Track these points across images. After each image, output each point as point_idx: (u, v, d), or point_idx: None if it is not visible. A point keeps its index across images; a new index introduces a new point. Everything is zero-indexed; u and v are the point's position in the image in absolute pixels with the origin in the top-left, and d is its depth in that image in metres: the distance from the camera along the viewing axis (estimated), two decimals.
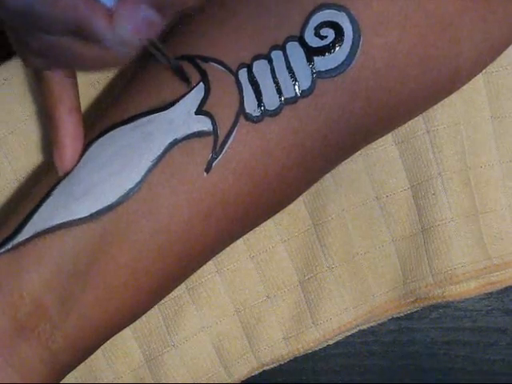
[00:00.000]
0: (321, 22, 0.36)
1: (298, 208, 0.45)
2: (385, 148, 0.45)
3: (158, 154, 0.36)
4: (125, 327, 0.40)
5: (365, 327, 0.48)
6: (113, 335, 0.40)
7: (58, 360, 0.37)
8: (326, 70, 0.36)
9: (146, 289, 0.38)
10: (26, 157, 0.43)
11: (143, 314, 0.40)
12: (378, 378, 0.50)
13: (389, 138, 0.44)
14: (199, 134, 0.36)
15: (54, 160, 0.37)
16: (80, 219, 0.36)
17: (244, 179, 0.37)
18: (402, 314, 0.47)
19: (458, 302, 0.49)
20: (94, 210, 0.36)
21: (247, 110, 0.36)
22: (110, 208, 0.36)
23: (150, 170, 0.36)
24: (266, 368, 0.47)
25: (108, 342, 0.45)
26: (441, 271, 0.45)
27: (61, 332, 0.36)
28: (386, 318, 0.47)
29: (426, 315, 0.49)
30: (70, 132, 0.36)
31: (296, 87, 0.36)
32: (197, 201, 0.37)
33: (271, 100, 0.36)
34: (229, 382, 0.47)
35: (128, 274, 0.37)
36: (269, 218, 0.41)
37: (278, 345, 0.46)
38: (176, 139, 0.36)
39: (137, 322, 0.45)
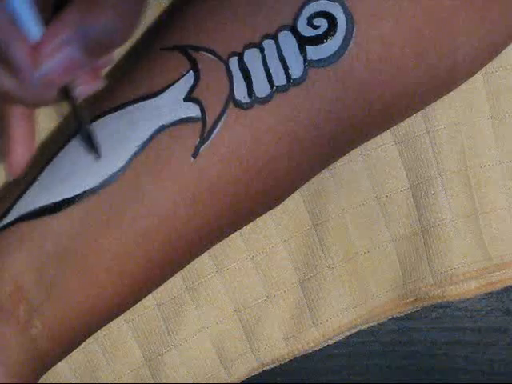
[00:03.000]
0: (314, 12, 0.36)
1: (297, 208, 0.45)
2: (385, 148, 0.45)
3: (144, 139, 0.36)
4: (111, 318, 0.39)
5: (365, 327, 0.48)
6: (99, 326, 0.39)
7: (38, 346, 0.36)
8: (318, 60, 0.36)
9: (130, 275, 0.37)
10: None
11: (129, 304, 0.40)
12: (378, 378, 0.50)
13: (389, 137, 0.44)
14: (187, 120, 0.36)
15: (5, 165, 0.36)
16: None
17: (232, 166, 0.37)
18: (402, 314, 0.47)
19: (458, 302, 0.49)
20: (76, 193, 0.36)
21: (237, 97, 0.36)
22: (93, 191, 0.36)
23: (135, 155, 0.36)
24: (265, 368, 0.47)
25: (108, 341, 0.45)
26: (441, 271, 0.45)
27: (40, 316, 0.36)
28: (385, 317, 0.47)
29: (426, 315, 0.49)
30: (20, 139, 0.35)
31: (287, 75, 0.36)
32: (183, 186, 0.37)
33: (262, 87, 0.36)
34: (229, 382, 0.47)
35: (110, 259, 0.37)
36: (261, 213, 0.41)
37: (277, 345, 0.46)
38: (163, 125, 0.36)
39: (137, 321, 0.45)
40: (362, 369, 0.50)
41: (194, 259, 0.41)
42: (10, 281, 0.36)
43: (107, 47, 0.31)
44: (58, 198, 0.36)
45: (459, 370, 0.50)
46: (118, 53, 0.43)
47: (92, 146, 0.36)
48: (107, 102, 0.37)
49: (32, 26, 0.29)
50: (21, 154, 0.35)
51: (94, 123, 0.37)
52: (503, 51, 0.41)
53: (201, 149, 0.36)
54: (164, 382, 0.46)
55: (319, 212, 0.45)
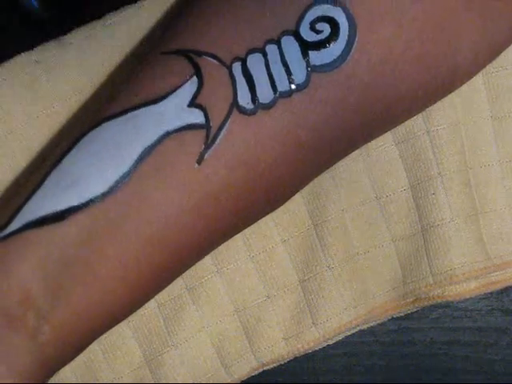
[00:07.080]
0: (317, 17, 0.36)
1: (298, 208, 0.45)
2: (385, 148, 0.45)
3: (148, 145, 0.36)
4: (114, 323, 0.39)
5: (365, 327, 0.48)
6: (102, 331, 0.39)
7: (46, 352, 0.36)
8: (321, 65, 0.36)
9: (135, 281, 0.37)
10: (25, 157, 0.43)
11: (132, 309, 0.39)
12: (378, 378, 0.50)
13: (389, 138, 0.44)
14: (191, 127, 0.36)
15: None
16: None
17: (237, 171, 0.37)
18: (401, 314, 0.47)
19: (457, 302, 0.49)
20: (82, 201, 0.36)
21: (240, 103, 0.36)
22: (98, 198, 0.36)
23: (139, 161, 0.36)
24: (265, 368, 0.47)
25: (108, 341, 0.45)
26: (441, 271, 0.45)
27: (48, 323, 0.36)
28: (385, 317, 0.47)
29: (426, 315, 0.49)
30: None
31: (290, 81, 0.36)
32: (187, 192, 0.36)
33: (265, 93, 0.36)
34: (229, 381, 0.47)
35: (116, 266, 0.36)
36: (263, 215, 0.41)
37: (278, 345, 0.46)
38: (167, 131, 0.36)
39: (137, 321, 0.45)
40: (362, 369, 0.50)
41: (196, 263, 0.41)
42: (18, 289, 0.36)
43: None
44: (65, 206, 0.36)
45: (459, 370, 0.50)
46: (119, 57, 0.43)
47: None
48: (111, 106, 0.37)
49: None
50: None
51: (97, 128, 0.37)
52: (503, 51, 0.41)
53: (205, 155, 0.36)
54: (164, 382, 0.46)
55: (319, 212, 0.45)
